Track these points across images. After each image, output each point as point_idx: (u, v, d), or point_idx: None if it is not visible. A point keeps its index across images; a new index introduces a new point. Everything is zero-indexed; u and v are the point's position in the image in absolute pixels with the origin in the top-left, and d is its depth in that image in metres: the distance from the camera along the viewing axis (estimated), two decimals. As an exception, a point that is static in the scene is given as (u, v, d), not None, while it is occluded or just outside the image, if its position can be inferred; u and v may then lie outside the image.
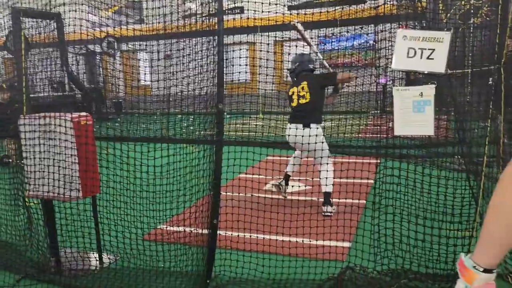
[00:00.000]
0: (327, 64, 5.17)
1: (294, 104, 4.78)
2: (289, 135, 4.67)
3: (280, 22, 5.36)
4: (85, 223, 3.46)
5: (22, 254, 3.56)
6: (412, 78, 3.95)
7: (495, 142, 3.09)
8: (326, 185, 4.56)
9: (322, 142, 4.63)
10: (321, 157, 4.63)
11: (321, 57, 5.10)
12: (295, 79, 4.91)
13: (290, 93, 4.84)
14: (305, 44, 5.07)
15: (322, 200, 4.58)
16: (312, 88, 4.65)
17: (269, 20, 5.16)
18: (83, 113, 3.34)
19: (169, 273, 3.20)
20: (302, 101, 4.69)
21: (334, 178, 4.64)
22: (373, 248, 2.98)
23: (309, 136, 4.35)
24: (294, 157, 5.06)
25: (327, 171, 4.60)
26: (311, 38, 5.30)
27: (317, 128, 4.62)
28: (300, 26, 4.85)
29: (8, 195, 3.78)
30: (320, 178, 4.64)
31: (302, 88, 4.69)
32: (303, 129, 4.53)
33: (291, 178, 5.11)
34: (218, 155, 2.51)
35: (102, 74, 13.46)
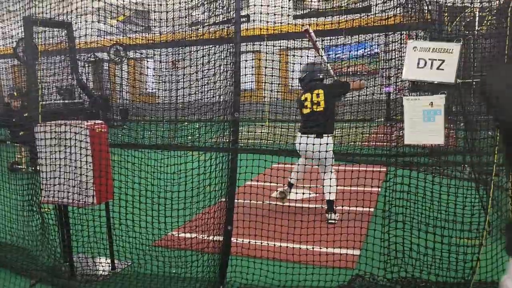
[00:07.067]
0: (332, 72, 5.17)
1: (307, 111, 4.70)
2: (300, 143, 4.62)
3: (286, 30, 5.40)
4: (98, 229, 3.50)
5: (36, 259, 3.61)
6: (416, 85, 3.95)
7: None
8: (330, 193, 4.59)
9: (331, 151, 4.65)
10: (325, 166, 4.65)
11: (328, 65, 5.10)
12: (305, 87, 4.87)
13: (302, 99, 4.76)
14: (314, 51, 5.08)
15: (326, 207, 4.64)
16: (327, 96, 4.63)
17: (275, 29, 5.21)
18: (98, 121, 3.41)
19: (180, 279, 3.23)
20: (317, 108, 4.65)
21: (337, 186, 4.64)
22: (383, 256, 3.01)
23: (320, 144, 4.30)
24: (298, 165, 5.01)
25: (331, 179, 4.60)
26: (320, 44, 5.32)
27: (329, 138, 4.62)
28: (311, 31, 4.84)
29: (21, 201, 3.84)
30: (323, 186, 4.67)
31: (317, 95, 4.64)
32: (315, 138, 4.44)
33: (295, 185, 5.08)
34: (233, 162, 2.56)
35: (110, 81, 13.57)
